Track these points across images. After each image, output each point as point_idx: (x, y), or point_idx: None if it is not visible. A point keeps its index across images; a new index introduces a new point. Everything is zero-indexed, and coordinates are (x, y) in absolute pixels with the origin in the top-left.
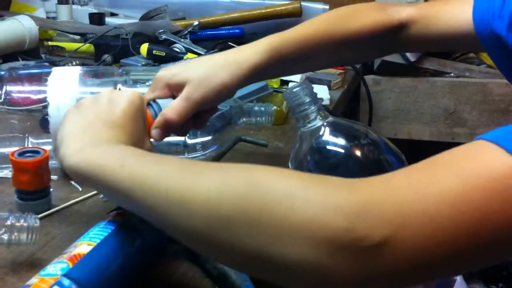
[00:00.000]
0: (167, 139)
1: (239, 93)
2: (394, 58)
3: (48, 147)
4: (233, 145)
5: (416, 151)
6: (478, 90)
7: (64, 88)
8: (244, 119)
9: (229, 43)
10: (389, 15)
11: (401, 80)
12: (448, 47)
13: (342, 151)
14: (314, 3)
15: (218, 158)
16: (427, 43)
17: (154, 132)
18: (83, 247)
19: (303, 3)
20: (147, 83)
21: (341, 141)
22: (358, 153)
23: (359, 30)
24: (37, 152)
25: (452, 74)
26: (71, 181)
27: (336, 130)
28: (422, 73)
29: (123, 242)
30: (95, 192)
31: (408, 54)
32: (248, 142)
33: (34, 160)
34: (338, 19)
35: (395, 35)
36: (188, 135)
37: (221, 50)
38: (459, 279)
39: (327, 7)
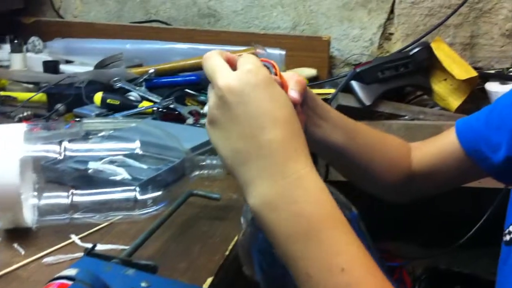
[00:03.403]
0: (117, 195)
1: (190, 144)
2: (350, 102)
3: None
4: (184, 200)
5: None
6: (433, 132)
7: (5, 149)
8: (196, 173)
9: (186, 90)
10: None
11: None
12: (447, 175)
13: None
14: (271, 49)
15: (169, 215)
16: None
17: (294, 93)
18: None
19: (258, 49)
20: (99, 134)
21: None
22: None
23: (390, 138)
24: None
25: (407, 117)
26: (13, 244)
27: None
28: (378, 117)
29: None
30: (38, 255)
31: (363, 98)
32: (200, 197)
33: None
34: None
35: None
36: (138, 190)
37: (177, 98)
38: None
39: (284, 52)
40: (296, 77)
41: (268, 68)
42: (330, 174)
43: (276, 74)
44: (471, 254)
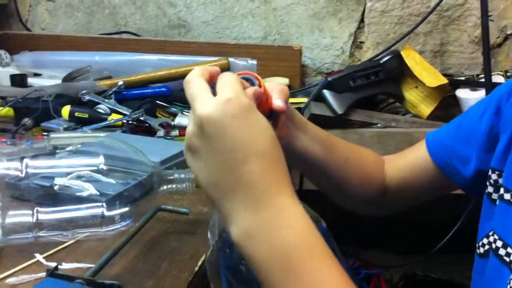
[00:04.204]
0: (83, 212)
1: (159, 157)
2: (323, 111)
3: None
4: (152, 216)
5: None
6: (405, 139)
7: None
8: (164, 187)
9: (157, 101)
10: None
11: (331, 132)
12: (419, 185)
13: None
14: (242, 59)
15: (136, 231)
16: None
17: (280, 102)
18: None
19: (230, 59)
20: (67, 149)
21: None
22: None
23: (365, 152)
24: None
25: (379, 125)
26: None
27: None
28: (351, 125)
29: None
30: (1, 276)
31: (335, 107)
32: (168, 211)
33: None
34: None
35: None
36: (106, 206)
37: (147, 110)
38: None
39: (255, 62)
40: (278, 86)
41: (251, 80)
42: (305, 183)
43: (259, 85)
44: (447, 260)
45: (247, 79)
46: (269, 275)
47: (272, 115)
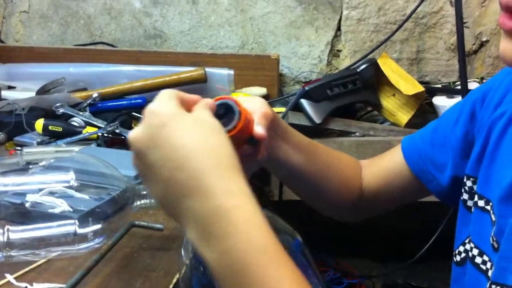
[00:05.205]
0: (55, 229)
1: (132, 172)
2: (300, 120)
3: None
4: (125, 232)
5: None
6: (383, 148)
7: None
8: (138, 202)
9: (132, 113)
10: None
11: None
12: (395, 189)
13: None
14: (219, 69)
15: (109, 249)
16: (378, 186)
17: (260, 129)
18: None
19: (207, 69)
20: (40, 164)
21: None
22: None
23: (345, 158)
24: None
25: (357, 134)
26: None
27: None
28: (329, 134)
29: None
30: None
31: (313, 116)
32: (142, 227)
33: None
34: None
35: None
36: (78, 224)
37: (123, 122)
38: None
39: (232, 72)
40: (261, 109)
41: (230, 106)
42: (284, 193)
43: (240, 111)
44: (427, 268)
45: (226, 104)
46: (222, 277)
47: (252, 139)
